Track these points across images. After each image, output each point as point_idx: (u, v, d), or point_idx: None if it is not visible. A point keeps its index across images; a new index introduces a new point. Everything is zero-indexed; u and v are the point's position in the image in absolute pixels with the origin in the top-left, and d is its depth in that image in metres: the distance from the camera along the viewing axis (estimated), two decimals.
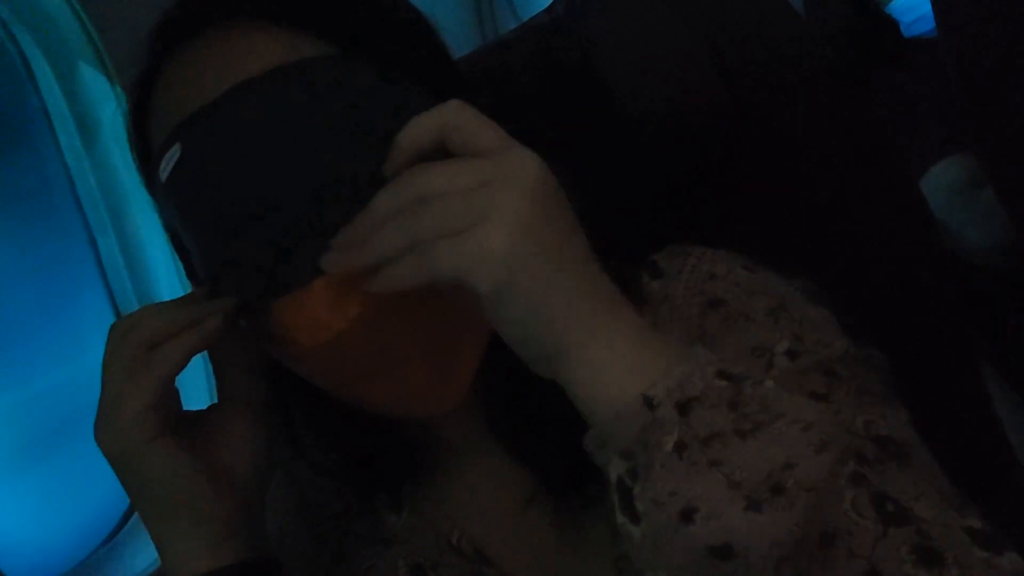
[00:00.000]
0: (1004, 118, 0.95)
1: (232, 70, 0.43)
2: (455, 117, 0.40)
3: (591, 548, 0.51)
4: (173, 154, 0.44)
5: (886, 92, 1.23)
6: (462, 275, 0.37)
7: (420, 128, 0.40)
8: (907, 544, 0.35)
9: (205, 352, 0.48)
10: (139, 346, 0.45)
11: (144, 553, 0.92)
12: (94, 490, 0.92)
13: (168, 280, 0.86)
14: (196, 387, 0.77)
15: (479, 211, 0.37)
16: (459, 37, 0.67)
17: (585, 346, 0.38)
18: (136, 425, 0.45)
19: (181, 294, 0.50)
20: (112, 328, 0.47)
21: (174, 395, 0.46)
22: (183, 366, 0.45)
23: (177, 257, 0.52)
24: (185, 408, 0.49)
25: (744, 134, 0.69)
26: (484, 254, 0.37)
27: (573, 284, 0.39)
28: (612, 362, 0.38)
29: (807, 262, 0.59)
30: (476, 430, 0.54)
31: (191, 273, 0.50)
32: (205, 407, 0.50)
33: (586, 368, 0.38)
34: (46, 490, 0.89)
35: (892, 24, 1.32)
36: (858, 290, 0.60)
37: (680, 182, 0.67)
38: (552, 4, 0.71)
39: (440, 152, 0.40)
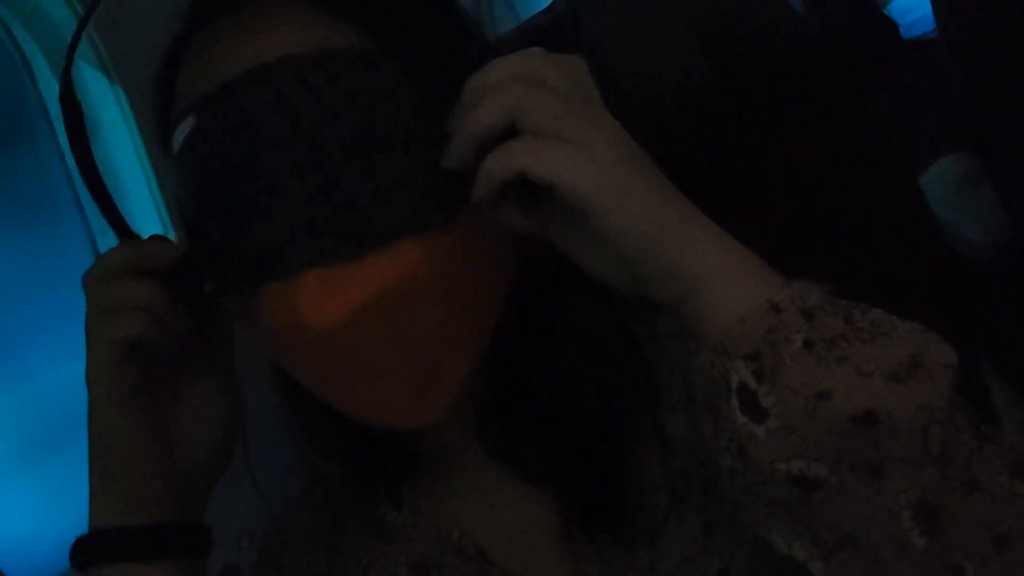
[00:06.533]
0: (1003, 116, 0.95)
1: (258, 51, 0.43)
2: (528, 94, 0.40)
3: (597, 549, 0.51)
4: (187, 125, 0.44)
5: (886, 92, 1.23)
6: (566, 177, 0.38)
7: (488, 106, 0.40)
8: (1001, 459, 0.36)
9: None
10: (100, 308, 0.46)
11: None
12: None
13: None
14: None
15: (586, 126, 0.39)
16: None
17: (703, 257, 0.39)
18: (99, 385, 0.46)
19: None
20: (84, 280, 0.47)
21: (144, 355, 0.46)
22: (144, 334, 0.45)
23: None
24: None
25: (744, 133, 0.69)
26: (596, 163, 0.38)
27: (683, 204, 0.40)
28: (733, 271, 0.39)
29: (807, 259, 0.59)
30: (474, 436, 0.54)
31: (196, 255, 0.49)
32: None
33: (707, 278, 0.39)
34: (46, 490, 0.89)
35: (892, 24, 1.32)
36: (857, 287, 0.59)
37: (679, 179, 0.67)
38: (551, 4, 0.71)
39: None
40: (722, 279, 0.39)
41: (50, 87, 0.84)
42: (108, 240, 0.90)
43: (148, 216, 0.85)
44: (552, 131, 0.39)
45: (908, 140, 1.13)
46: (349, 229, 0.42)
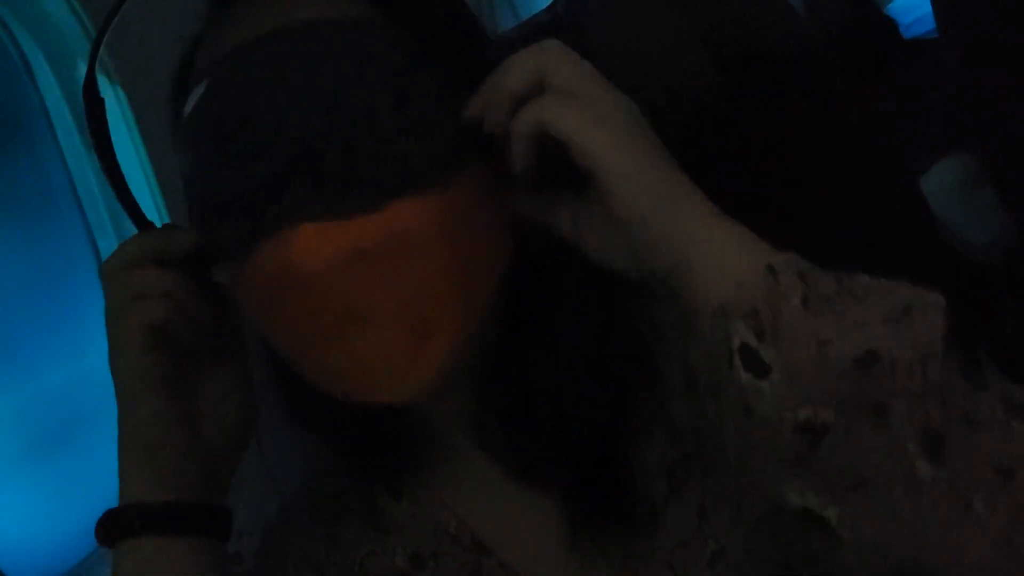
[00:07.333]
0: (1004, 117, 0.95)
1: (267, 23, 0.45)
2: (554, 58, 0.43)
3: (596, 541, 0.51)
4: (200, 89, 0.45)
5: (886, 92, 1.23)
6: (581, 134, 0.41)
7: (519, 66, 0.43)
8: (995, 399, 0.37)
9: None
10: (123, 296, 0.46)
11: None
12: (94, 490, 0.92)
13: None
14: None
15: (604, 91, 0.42)
16: None
17: (703, 223, 0.41)
18: (127, 371, 0.46)
19: None
20: (102, 270, 0.48)
21: (167, 343, 0.47)
22: (169, 319, 0.46)
23: None
24: None
25: (744, 133, 0.69)
26: (609, 123, 0.41)
27: (682, 175, 0.42)
28: (730, 237, 0.41)
29: (807, 259, 0.59)
30: (472, 432, 0.54)
31: (194, 220, 0.49)
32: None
33: (707, 244, 0.41)
34: (46, 490, 0.89)
35: (892, 24, 1.32)
36: None
37: None
38: (553, 3, 0.71)
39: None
40: (719, 244, 0.41)
41: (50, 87, 0.84)
42: (108, 240, 0.90)
43: (148, 216, 0.85)
44: (575, 89, 0.42)
45: (908, 141, 1.13)
46: (344, 187, 0.43)
